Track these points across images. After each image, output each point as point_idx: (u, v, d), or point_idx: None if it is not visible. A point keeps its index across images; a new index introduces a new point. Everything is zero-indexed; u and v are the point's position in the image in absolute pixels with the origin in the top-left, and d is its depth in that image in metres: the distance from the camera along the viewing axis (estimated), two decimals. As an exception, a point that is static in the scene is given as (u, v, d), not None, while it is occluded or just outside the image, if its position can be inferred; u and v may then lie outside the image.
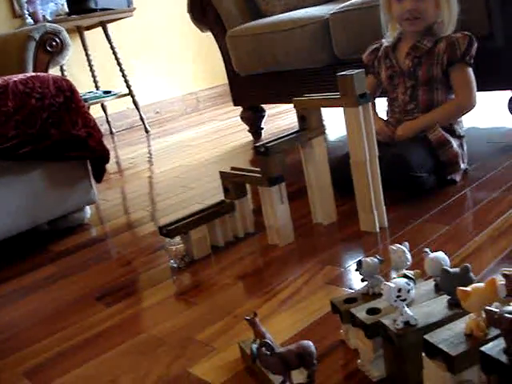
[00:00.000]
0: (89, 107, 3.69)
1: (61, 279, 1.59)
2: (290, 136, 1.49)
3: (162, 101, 4.42)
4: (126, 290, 1.44)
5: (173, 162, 2.80)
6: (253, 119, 2.91)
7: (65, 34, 2.23)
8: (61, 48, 2.31)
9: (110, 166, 2.93)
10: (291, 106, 1.64)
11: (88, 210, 2.06)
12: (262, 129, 2.94)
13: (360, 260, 1.01)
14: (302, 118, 1.52)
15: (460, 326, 0.75)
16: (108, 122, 4.08)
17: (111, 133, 4.10)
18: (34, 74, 1.86)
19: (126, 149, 3.43)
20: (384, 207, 1.49)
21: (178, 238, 1.52)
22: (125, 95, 3.82)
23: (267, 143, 1.44)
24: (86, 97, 3.63)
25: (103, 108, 4.00)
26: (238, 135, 3.07)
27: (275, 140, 1.46)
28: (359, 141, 1.41)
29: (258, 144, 1.45)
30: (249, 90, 2.78)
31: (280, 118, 3.29)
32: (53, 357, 1.19)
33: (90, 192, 2.00)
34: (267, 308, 1.22)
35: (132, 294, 1.42)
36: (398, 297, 0.79)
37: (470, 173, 1.76)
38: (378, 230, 1.48)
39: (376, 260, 1.01)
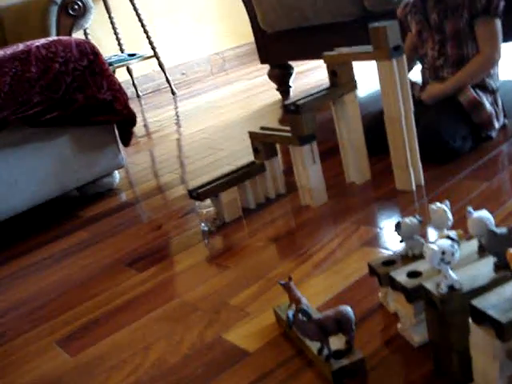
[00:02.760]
0: (114, 71, 3.68)
1: (91, 245, 1.57)
2: (321, 93, 1.43)
3: (188, 62, 4.36)
4: (157, 255, 1.42)
5: (201, 123, 2.76)
6: (281, 77, 2.84)
7: (86, -5, 2.18)
8: (83, 11, 2.27)
9: (138, 130, 2.91)
10: (320, 62, 1.58)
11: (117, 174, 2.04)
12: (291, 87, 2.87)
13: (399, 221, 0.96)
14: (332, 74, 1.46)
15: (509, 290, 0.70)
16: (134, 85, 4.03)
17: (138, 96, 4.06)
18: (56, 38, 1.82)
19: (153, 111, 3.39)
20: (420, 164, 1.43)
21: (208, 201, 1.49)
22: (150, 57, 3.77)
23: (297, 101, 1.39)
24: (111, 60, 3.59)
25: (129, 71, 3.95)
26: (266, 94, 3.00)
27: (306, 97, 1.40)
28: (393, 96, 1.35)
29: (287, 102, 1.39)
30: (276, 48, 2.71)
31: (308, 76, 3.21)
32: (85, 324, 1.18)
33: (117, 156, 1.97)
34: (301, 271, 1.18)
35: (163, 258, 1.40)
36: (441, 260, 0.75)
37: (508, 127, 1.68)
38: (414, 188, 1.42)
39: (415, 220, 0.96)
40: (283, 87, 2.86)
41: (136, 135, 2.78)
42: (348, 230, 1.31)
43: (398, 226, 0.96)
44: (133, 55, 3.74)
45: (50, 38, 1.81)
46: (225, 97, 3.30)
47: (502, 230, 0.77)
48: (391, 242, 1.22)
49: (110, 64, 3.57)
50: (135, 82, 4.02)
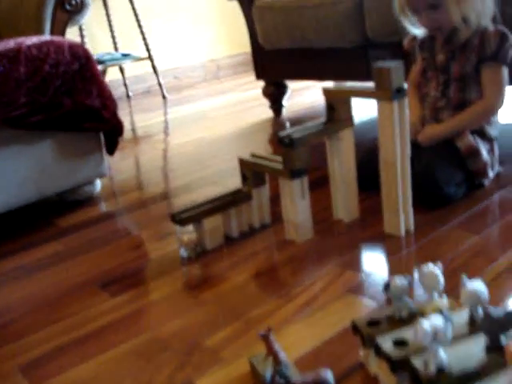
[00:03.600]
0: (106, 69, 3.63)
1: (64, 260, 1.51)
2: (317, 127, 1.39)
3: (182, 66, 4.30)
4: (132, 278, 1.37)
5: (189, 134, 2.71)
6: (275, 95, 2.79)
7: (85, -7, 2.12)
8: (80, 7, 2.20)
9: (125, 133, 2.83)
10: (315, 82, 1.53)
11: (98, 182, 1.98)
12: (284, 106, 2.83)
13: (388, 281, 0.92)
14: (330, 108, 1.42)
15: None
16: (125, 84, 3.97)
17: (128, 96, 3.99)
18: (48, 38, 1.76)
19: (143, 115, 3.34)
20: (412, 210, 1.40)
21: (190, 226, 1.43)
22: (143, 59, 3.71)
23: (292, 133, 1.34)
24: (104, 58, 3.53)
25: (121, 70, 3.89)
26: (258, 110, 2.96)
27: (301, 131, 1.36)
28: (391, 139, 1.31)
29: (282, 134, 1.35)
30: (273, 65, 2.67)
31: (303, 94, 3.17)
32: (51, 351, 1.12)
33: (101, 165, 1.91)
34: (282, 315, 1.14)
35: (139, 283, 1.34)
36: (433, 339, 0.71)
37: (501, 174, 1.66)
38: (403, 233, 1.39)
39: (405, 281, 0.92)
40: (276, 105, 2.82)
41: (123, 139, 2.72)
42: (332, 273, 1.27)
43: (386, 287, 0.92)
44: (127, 55, 3.68)
45: (43, 38, 1.75)
46: (216, 107, 3.26)
47: (498, 312, 0.74)
48: (377, 291, 1.17)
49: (103, 62, 3.51)
50: (126, 81, 3.96)
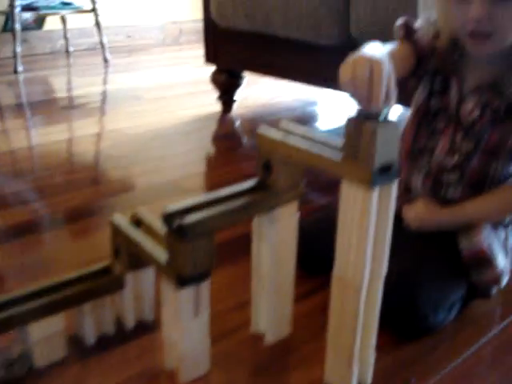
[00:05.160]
0: (44, 18, 3.09)
1: None
2: (237, 201, 0.80)
3: (137, 25, 3.67)
4: None
5: (116, 120, 2.12)
6: (226, 85, 2.19)
7: None
8: None
9: (62, 99, 2.30)
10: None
11: None
12: (235, 101, 2.23)
13: None
14: (265, 167, 0.84)
15: None
16: (65, 37, 3.32)
17: (67, 51, 3.35)
18: None
19: (82, 79, 2.74)
20: (373, 356, 0.84)
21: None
22: (87, 11, 3.08)
23: (187, 212, 0.76)
24: (38, 4, 2.93)
25: (63, 20, 3.25)
26: (209, 97, 2.35)
27: (205, 207, 0.78)
28: (358, 248, 0.74)
29: (169, 211, 0.76)
30: (227, 49, 2.06)
31: (260, 86, 2.55)
32: None
33: None
34: None
35: None
36: None
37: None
38: (353, 390, 0.83)
39: None
40: (226, 98, 2.22)
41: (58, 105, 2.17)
42: None
43: None
44: (67, 4, 3.08)
45: None
46: (164, 85, 2.64)
47: None
48: None
49: (37, 8, 2.89)
50: (67, 34, 3.32)
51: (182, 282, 0.77)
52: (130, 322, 0.97)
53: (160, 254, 0.81)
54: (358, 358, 0.81)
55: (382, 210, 0.73)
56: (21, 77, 2.76)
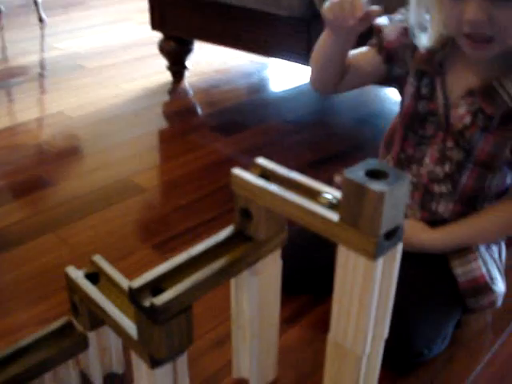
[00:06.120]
0: None
1: None
2: (216, 261, 0.69)
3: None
4: None
5: (62, 96, 1.94)
6: (176, 54, 2.03)
7: None
8: None
9: None
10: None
11: None
12: (187, 68, 2.07)
13: None
14: (243, 214, 0.72)
15: None
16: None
17: (-1, 11, 3.05)
18: None
19: (16, 46, 2.50)
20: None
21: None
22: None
23: (155, 283, 0.64)
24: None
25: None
26: (157, 63, 2.17)
27: (178, 278, 0.66)
28: (358, 320, 0.64)
29: (135, 284, 0.64)
30: (175, 15, 1.88)
31: (210, 50, 2.38)
32: None
33: None
34: None
35: None
36: None
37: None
38: None
39: None
40: (177, 67, 2.06)
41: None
42: None
43: None
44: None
45: None
46: (106, 50, 2.43)
47: None
48: None
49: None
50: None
51: (157, 363, 0.67)
52: (97, 379, 0.86)
53: (129, 327, 0.70)
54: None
55: (385, 274, 0.63)
56: None
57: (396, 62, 0.95)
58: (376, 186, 0.57)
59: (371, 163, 0.60)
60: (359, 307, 0.64)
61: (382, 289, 0.64)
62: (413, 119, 0.94)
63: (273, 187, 0.67)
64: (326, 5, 0.84)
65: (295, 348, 0.93)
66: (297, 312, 1.00)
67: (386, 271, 0.63)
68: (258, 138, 1.67)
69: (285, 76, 2.15)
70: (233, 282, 0.78)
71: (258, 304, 0.78)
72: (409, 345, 0.84)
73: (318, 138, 1.66)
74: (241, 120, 1.79)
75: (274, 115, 1.82)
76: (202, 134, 1.70)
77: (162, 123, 1.78)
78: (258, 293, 0.77)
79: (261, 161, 0.72)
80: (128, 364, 0.88)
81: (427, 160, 0.93)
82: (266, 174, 0.70)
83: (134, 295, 0.64)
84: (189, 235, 1.20)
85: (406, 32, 0.91)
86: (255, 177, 0.69)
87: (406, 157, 0.95)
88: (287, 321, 0.97)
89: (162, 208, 1.31)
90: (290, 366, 0.90)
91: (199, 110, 1.88)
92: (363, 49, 0.97)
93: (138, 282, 0.64)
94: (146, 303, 0.63)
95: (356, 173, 0.59)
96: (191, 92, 2.00)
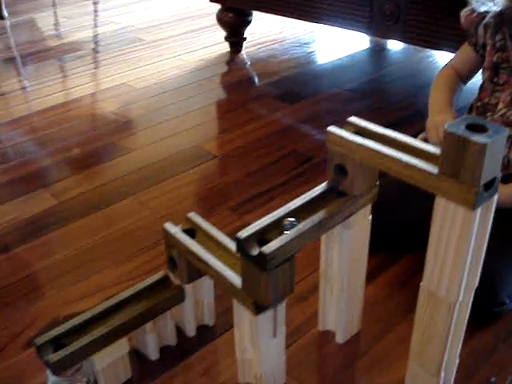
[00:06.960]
0: None
1: None
2: (315, 217, 0.73)
3: None
4: None
5: (122, 70, 2.00)
6: (234, 25, 2.06)
7: None
8: None
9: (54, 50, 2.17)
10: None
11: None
12: (245, 39, 2.10)
13: None
14: (338, 170, 0.76)
15: None
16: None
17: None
18: None
19: (70, 21, 2.56)
20: (457, 362, 0.80)
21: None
22: None
23: (265, 239, 0.69)
24: None
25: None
26: (214, 36, 2.20)
27: (281, 228, 0.70)
28: (453, 270, 0.68)
29: (244, 235, 0.68)
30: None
31: (268, 20, 2.40)
32: None
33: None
34: None
35: None
36: None
37: None
38: (439, 398, 0.80)
39: None
40: (235, 38, 2.09)
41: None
42: None
43: None
44: None
45: None
46: (162, 22, 2.47)
47: None
48: None
49: None
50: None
51: (261, 309, 0.71)
52: (190, 330, 0.92)
53: (232, 277, 0.75)
54: (444, 368, 0.77)
55: (481, 225, 0.66)
56: (7, 23, 2.57)
57: (476, 40, 1.05)
58: (478, 138, 0.60)
59: (471, 118, 0.63)
60: (455, 256, 0.67)
61: (477, 239, 0.67)
62: (492, 69, 1.01)
63: (370, 143, 0.70)
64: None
65: (376, 302, 0.97)
66: (374, 269, 1.03)
67: (482, 222, 0.66)
68: (318, 106, 1.69)
69: (339, 44, 2.15)
70: (324, 237, 0.82)
71: (349, 258, 0.82)
72: (492, 293, 0.87)
73: (379, 105, 1.68)
74: (299, 89, 1.81)
75: (332, 84, 1.84)
76: (263, 103, 1.73)
77: (222, 93, 1.82)
78: (349, 247, 0.81)
79: (354, 119, 0.75)
80: (218, 316, 0.93)
81: (501, 105, 0.97)
82: (360, 132, 0.74)
83: (243, 245, 0.68)
84: (263, 198, 1.24)
85: (471, 12, 1.03)
86: (351, 134, 0.73)
87: (482, 104, 1.02)
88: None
89: (234, 173, 1.35)
90: (372, 319, 0.93)
91: (257, 80, 1.91)
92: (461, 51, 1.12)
93: (245, 232, 0.69)
94: (254, 252, 0.67)
95: (457, 126, 0.62)
96: (249, 62, 2.03)
